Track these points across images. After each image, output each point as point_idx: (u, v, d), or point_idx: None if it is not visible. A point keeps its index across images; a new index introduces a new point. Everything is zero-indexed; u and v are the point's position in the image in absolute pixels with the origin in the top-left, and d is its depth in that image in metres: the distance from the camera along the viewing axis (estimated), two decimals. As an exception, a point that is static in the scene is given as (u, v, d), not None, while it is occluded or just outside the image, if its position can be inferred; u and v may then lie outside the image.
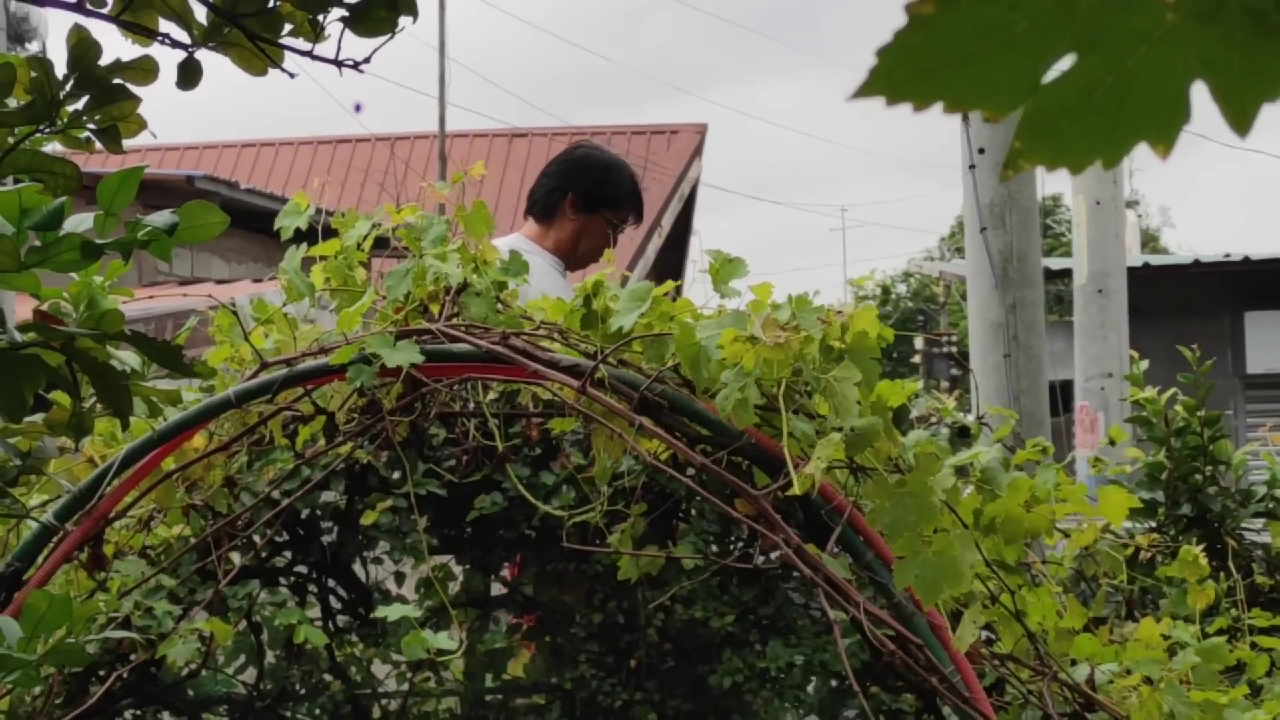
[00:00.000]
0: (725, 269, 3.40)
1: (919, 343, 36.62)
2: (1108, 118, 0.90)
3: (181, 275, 18.63)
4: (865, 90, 0.95)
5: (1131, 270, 13.10)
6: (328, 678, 4.91)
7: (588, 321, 3.52)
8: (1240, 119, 0.91)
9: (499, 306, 3.66)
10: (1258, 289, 16.95)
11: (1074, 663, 3.71)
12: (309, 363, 3.55)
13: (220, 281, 17.85)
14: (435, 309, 3.63)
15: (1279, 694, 3.72)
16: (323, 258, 3.88)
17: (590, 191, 5.66)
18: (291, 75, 2.21)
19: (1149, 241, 44.70)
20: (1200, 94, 0.93)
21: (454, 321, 3.57)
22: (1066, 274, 13.80)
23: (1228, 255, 17.29)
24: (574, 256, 5.69)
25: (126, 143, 2.44)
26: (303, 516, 4.82)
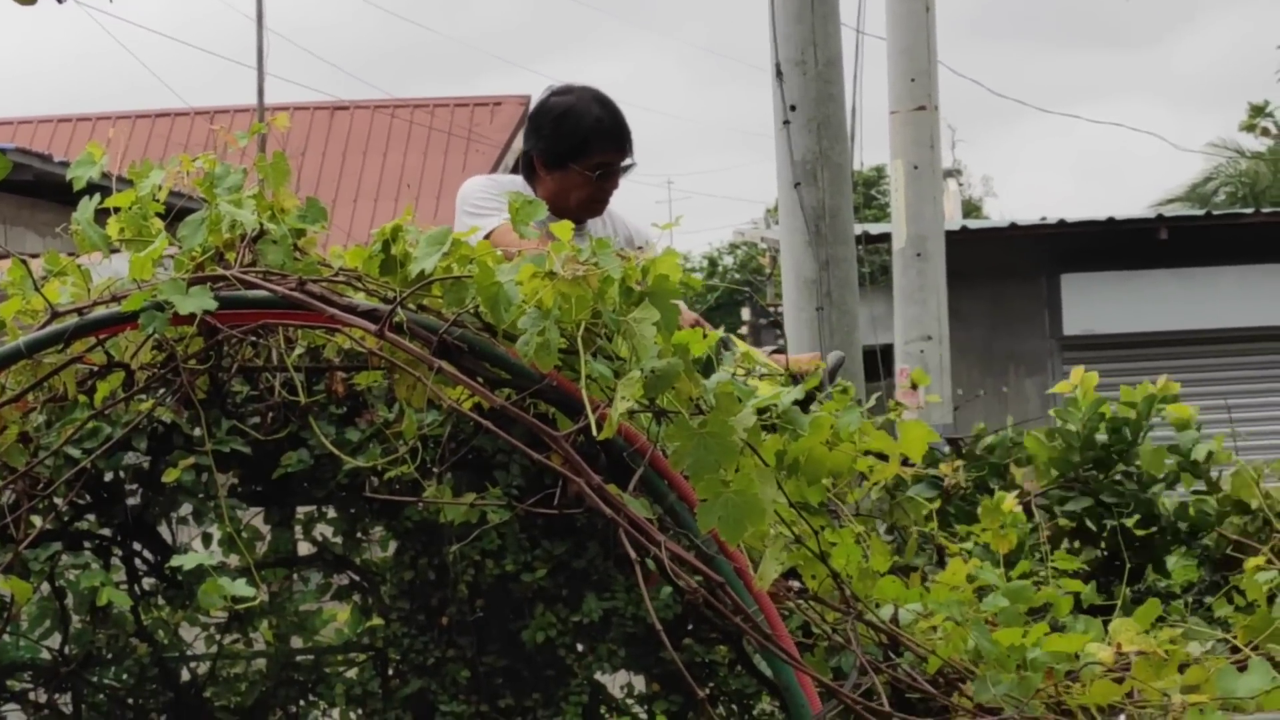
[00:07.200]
0: (524, 210, 3.36)
1: (745, 314, 36.82)
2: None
3: (-6, 250, 18.24)
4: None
5: (949, 234, 13.21)
6: (134, 641, 4.85)
7: (386, 267, 3.46)
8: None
9: (296, 254, 3.59)
10: (1073, 251, 17.19)
11: (879, 605, 3.72)
12: (101, 311, 3.47)
13: (35, 255, 17.52)
14: (231, 257, 3.56)
15: (1080, 633, 3.76)
16: (117, 209, 3.80)
17: (548, 149, 5.25)
18: (60, 1, 2.14)
19: (971, 211, 45.17)
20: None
21: (251, 268, 3.51)
22: (886, 239, 13.89)
23: (1044, 218, 17.56)
24: (568, 211, 5.02)
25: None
26: (106, 479, 4.74)
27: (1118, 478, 4.97)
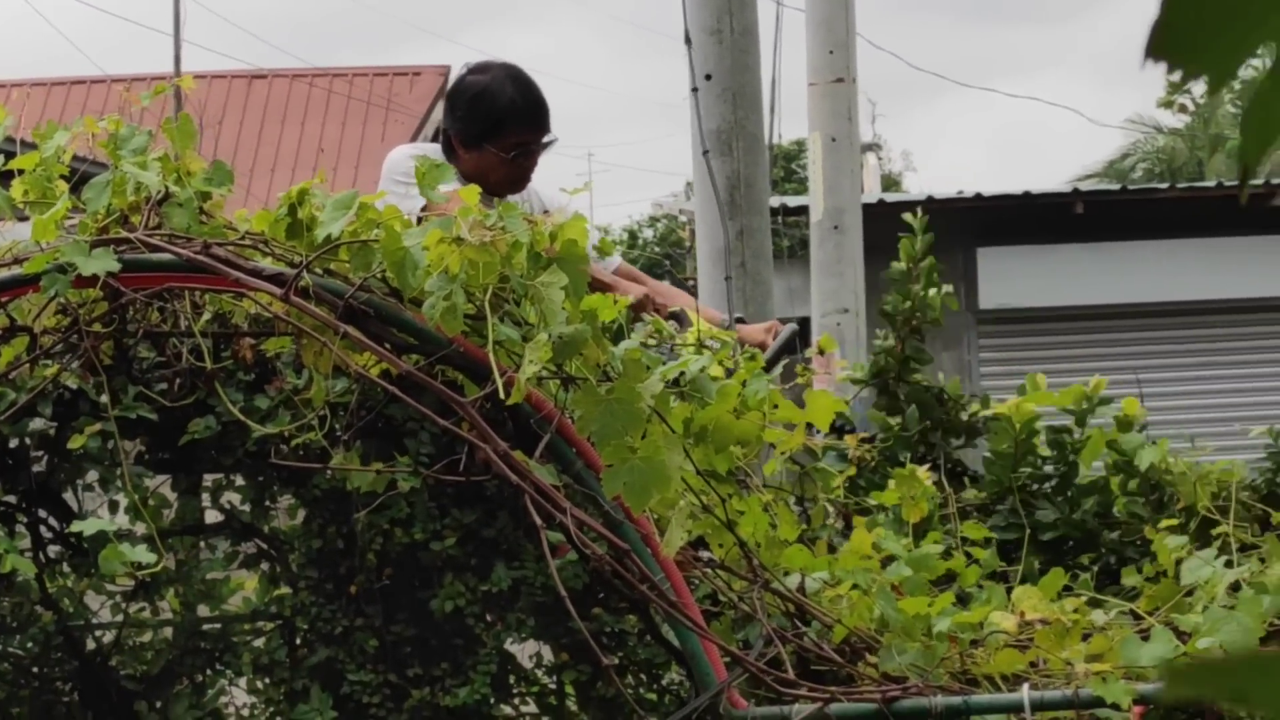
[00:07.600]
0: (432, 173, 3.34)
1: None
2: None
3: (-95, 215, 18.05)
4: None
5: (867, 207, 13.23)
6: (39, 609, 4.79)
7: (293, 230, 3.44)
8: None
9: (202, 217, 3.56)
10: (989, 225, 17.24)
11: (787, 574, 3.72)
12: (2, 273, 3.43)
13: (-54, 222, 17.31)
14: (136, 220, 3.52)
15: (985, 601, 3.77)
16: (21, 171, 3.75)
17: (464, 130, 5.20)
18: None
19: (891, 185, 45.28)
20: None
21: (155, 231, 3.47)
22: (804, 211, 13.91)
23: (960, 192, 17.62)
24: (489, 188, 4.84)
25: None
26: (11, 445, 4.69)
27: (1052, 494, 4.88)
